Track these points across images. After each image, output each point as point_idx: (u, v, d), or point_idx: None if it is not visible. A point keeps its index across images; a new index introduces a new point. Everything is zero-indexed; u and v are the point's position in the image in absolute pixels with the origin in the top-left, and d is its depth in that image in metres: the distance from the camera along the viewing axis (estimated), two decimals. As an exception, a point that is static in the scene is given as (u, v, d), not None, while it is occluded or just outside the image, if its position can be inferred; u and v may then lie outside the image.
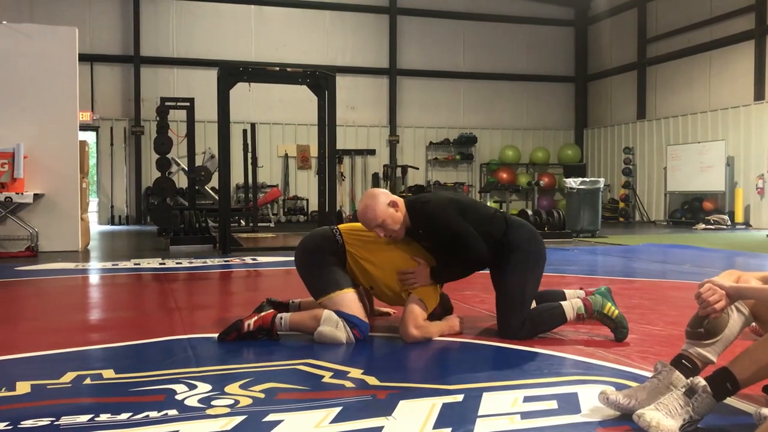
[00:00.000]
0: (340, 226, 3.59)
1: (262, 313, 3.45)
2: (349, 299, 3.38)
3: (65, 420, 2.21)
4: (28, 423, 2.19)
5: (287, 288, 3.64)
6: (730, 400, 2.26)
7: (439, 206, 3.42)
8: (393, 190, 15.26)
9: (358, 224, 3.61)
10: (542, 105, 19.58)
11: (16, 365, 3.02)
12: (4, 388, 2.59)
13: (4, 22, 8.95)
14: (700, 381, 2.09)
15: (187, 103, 12.47)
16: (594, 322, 3.47)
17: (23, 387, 2.61)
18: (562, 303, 3.45)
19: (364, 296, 3.58)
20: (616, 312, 3.39)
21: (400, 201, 3.44)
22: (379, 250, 3.46)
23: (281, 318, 3.42)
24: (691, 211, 15.59)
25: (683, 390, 2.11)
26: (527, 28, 19.21)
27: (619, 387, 2.38)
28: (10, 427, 2.15)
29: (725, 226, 13.81)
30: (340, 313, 3.33)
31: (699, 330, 2.27)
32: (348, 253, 3.46)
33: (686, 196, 16.02)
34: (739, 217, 14.33)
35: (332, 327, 3.30)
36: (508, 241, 3.46)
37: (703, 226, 13.96)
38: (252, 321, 3.38)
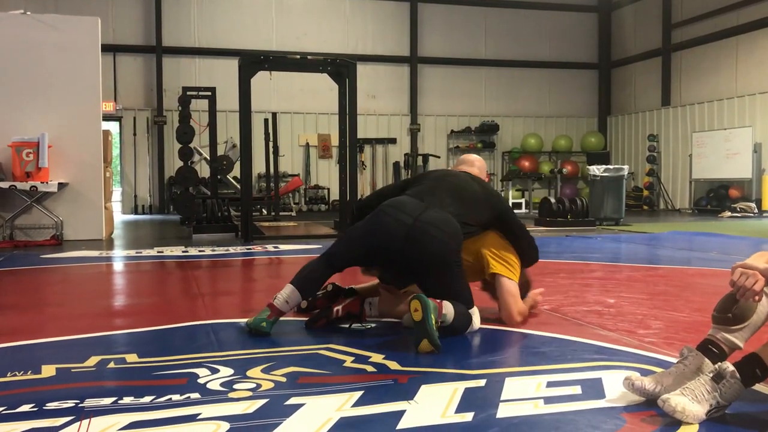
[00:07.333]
0: None
1: (348, 300, 3.46)
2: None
3: (89, 402, 2.24)
4: (52, 405, 2.21)
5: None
6: (758, 387, 2.22)
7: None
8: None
9: None
10: (565, 92, 19.38)
11: (42, 349, 3.06)
12: (30, 371, 2.62)
13: (28, 13, 9.03)
14: (728, 366, 2.04)
15: (209, 93, 12.49)
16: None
17: (48, 370, 2.64)
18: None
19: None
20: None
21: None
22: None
23: (369, 303, 3.47)
24: (717, 198, 15.36)
25: (710, 375, 2.07)
26: (550, 14, 19.00)
27: (644, 373, 2.35)
28: (35, 409, 2.18)
29: (752, 214, 13.59)
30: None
31: (727, 315, 2.23)
32: None
33: (712, 183, 15.78)
34: (767, 205, 14.09)
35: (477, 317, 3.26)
36: None
37: (729, 213, 13.76)
38: (340, 307, 3.42)
